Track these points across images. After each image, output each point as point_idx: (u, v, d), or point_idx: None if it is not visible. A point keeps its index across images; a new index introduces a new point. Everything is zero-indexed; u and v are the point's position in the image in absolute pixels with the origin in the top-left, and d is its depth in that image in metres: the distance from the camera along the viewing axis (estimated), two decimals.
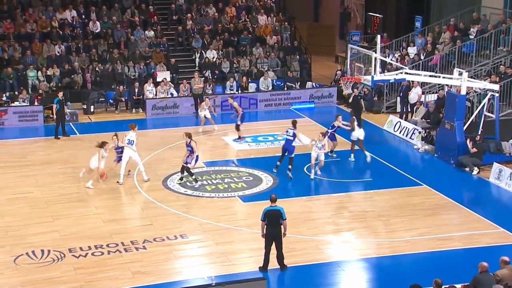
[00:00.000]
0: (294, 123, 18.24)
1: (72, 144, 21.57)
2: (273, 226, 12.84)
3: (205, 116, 22.70)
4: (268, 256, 13.05)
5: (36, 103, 24.15)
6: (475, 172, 18.67)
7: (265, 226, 12.90)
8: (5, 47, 26.31)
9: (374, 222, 15.59)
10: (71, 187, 17.75)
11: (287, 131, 18.14)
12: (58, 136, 22.05)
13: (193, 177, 17.66)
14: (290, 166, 18.00)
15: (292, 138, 17.96)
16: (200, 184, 17.64)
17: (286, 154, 18.10)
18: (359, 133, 19.55)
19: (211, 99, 25.08)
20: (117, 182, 17.74)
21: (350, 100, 22.38)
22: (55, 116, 22.20)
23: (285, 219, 12.92)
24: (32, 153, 20.71)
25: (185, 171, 17.67)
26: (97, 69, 26.31)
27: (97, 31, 28.05)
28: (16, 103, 24.07)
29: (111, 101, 25.45)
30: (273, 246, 13.03)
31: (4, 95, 24.63)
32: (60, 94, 22.49)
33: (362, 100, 22.14)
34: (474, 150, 18.78)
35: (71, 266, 13.44)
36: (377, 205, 16.58)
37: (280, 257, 13.11)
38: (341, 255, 14.10)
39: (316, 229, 15.15)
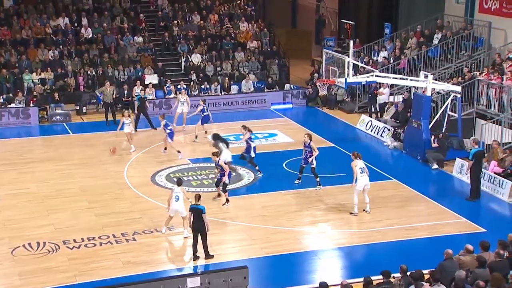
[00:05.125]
0: (309, 137, 16.93)
1: (67, 143, 21.44)
2: (197, 220, 13.11)
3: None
4: (196, 247, 13.17)
5: (31, 105, 23.97)
6: (434, 167, 18.85)
7: (192, 220, 13.12)
8: (2, 52, 26.11)
9: (348, 214, 15.71)
10: (66, 183, 17.65)
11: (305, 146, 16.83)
12: (136, 130, 21.50)
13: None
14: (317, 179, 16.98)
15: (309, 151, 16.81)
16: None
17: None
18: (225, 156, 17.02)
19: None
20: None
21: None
22: (135, 112, 22.41)
23: (205, 213, 13.04)
24: (30, 152, 20.55)
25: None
26: (88, 72, 26.15)
27: (88, 37, 27.87)
28: (13, 105, 23.87)
29: (102, 102, 25.27)
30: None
31: (1, 97, 24.46)
32: (142, 93, 22.89)
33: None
34: (436, 145, 19.04)
35: (66, 256, 13.40)
36: (350, 198, 16.66)
37: (205, 246, 13.23)
38: (318, 245, 14.22)
39: (295, 220, 15.24)
